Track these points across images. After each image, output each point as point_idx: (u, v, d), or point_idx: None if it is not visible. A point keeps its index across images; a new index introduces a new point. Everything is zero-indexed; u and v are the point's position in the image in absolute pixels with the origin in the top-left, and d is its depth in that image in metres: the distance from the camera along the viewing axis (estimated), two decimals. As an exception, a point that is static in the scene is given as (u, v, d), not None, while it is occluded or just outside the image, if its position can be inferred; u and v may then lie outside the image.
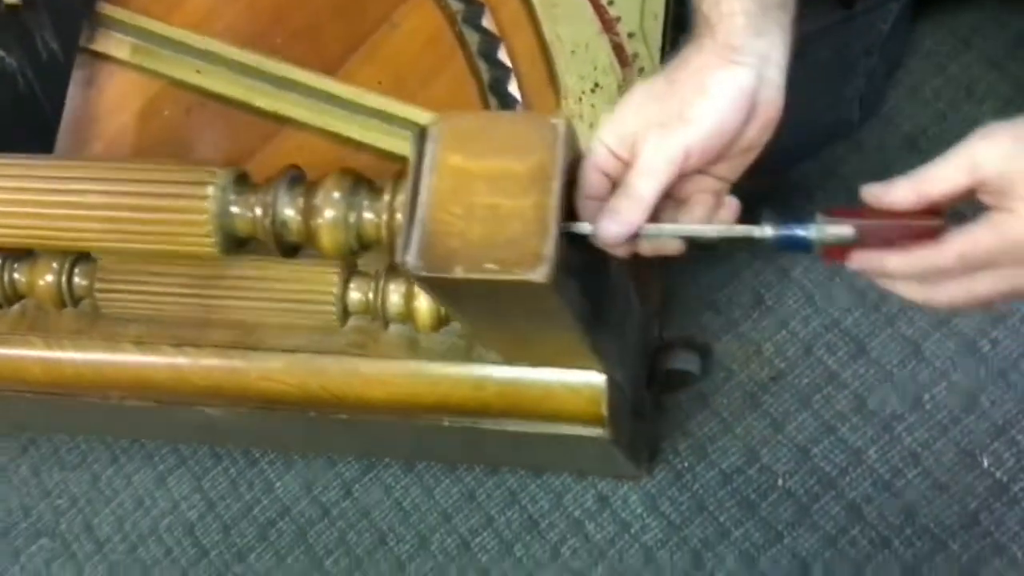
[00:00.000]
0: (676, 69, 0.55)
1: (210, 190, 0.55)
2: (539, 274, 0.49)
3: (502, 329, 0.61)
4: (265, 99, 1.00)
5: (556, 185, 0.50)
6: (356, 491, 1.07)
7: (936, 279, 0.52)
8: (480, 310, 0.57)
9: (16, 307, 0.78)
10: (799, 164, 1.00)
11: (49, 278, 0.75)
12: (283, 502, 1.09)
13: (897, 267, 0.52)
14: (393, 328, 0.72)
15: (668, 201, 0.56)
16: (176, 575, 1.11)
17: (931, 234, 0.51)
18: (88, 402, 0.80)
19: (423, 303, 0.69)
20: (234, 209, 0.56)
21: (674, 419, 0.98)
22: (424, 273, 0.50)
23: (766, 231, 0.54)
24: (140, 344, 0.75)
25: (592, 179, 0.54)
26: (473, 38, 1.00)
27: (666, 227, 0.55)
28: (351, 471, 1.07)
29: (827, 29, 0.86)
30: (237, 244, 0.57)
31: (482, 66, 0.99)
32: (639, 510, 0.97)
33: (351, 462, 1.08)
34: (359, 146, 0.97)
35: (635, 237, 0.54)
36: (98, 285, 0.74)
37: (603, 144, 0.54)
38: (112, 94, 1.04)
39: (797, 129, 0.92)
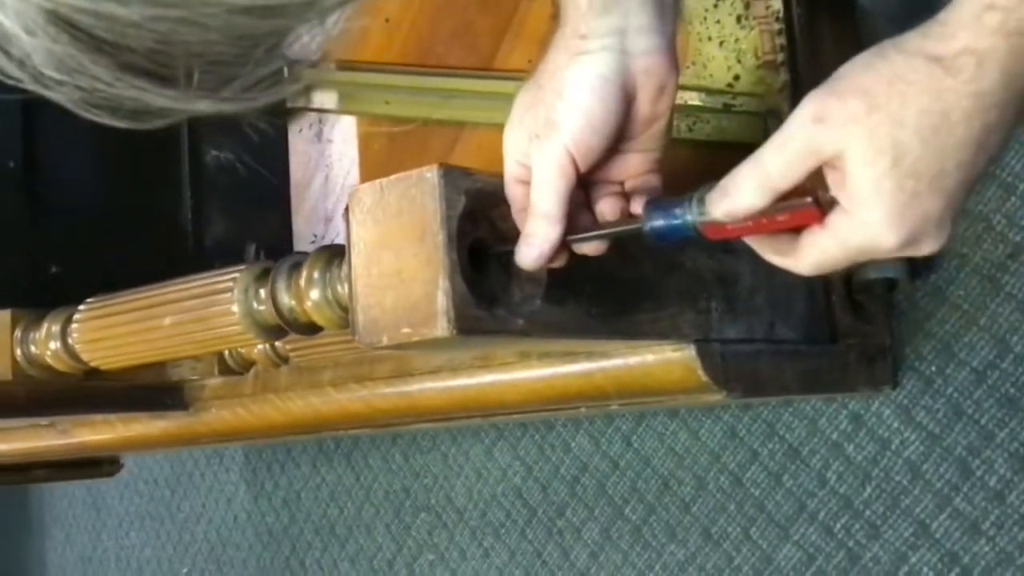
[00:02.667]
0: (541, 72, 0.52)
1: (235, 294, 0.63)
2: (440, 330, 0.50)
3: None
4: (441, 111, 1.07)
5: (441, 238, 0.50)
6: (635, 442, 1.10)
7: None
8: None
9: (251, 372, 0.93)
10: None
11: (260, 346, 0.89)
12: (581, 460, 1.16)
13: (769, 259, 0.47)
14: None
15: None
16: (517, 533, 1.23)
17: (806, 217, 0.45)
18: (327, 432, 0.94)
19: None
20: (256, 306, 0.63)
21: (912, 321, 0.89)
22: (364, 345, 0.53)
23: (648, 224, 0.50)
24: (335, 385, 0.87)
25: (516, 193, 0.54)
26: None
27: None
28: (626, 423, 1.11)
29: None
30: (276, 331, 0.65)
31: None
32: (895, 424, 0.90)
33: (625, 416, 1.11)
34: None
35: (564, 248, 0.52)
36: (288, 347, 0.86)
37: (511, 158, 0.54)
38: (337, 139, 1.18)
39: None
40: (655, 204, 0.50)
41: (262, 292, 0.63)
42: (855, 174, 0.44)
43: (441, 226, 0.51)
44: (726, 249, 0.72)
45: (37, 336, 0.76)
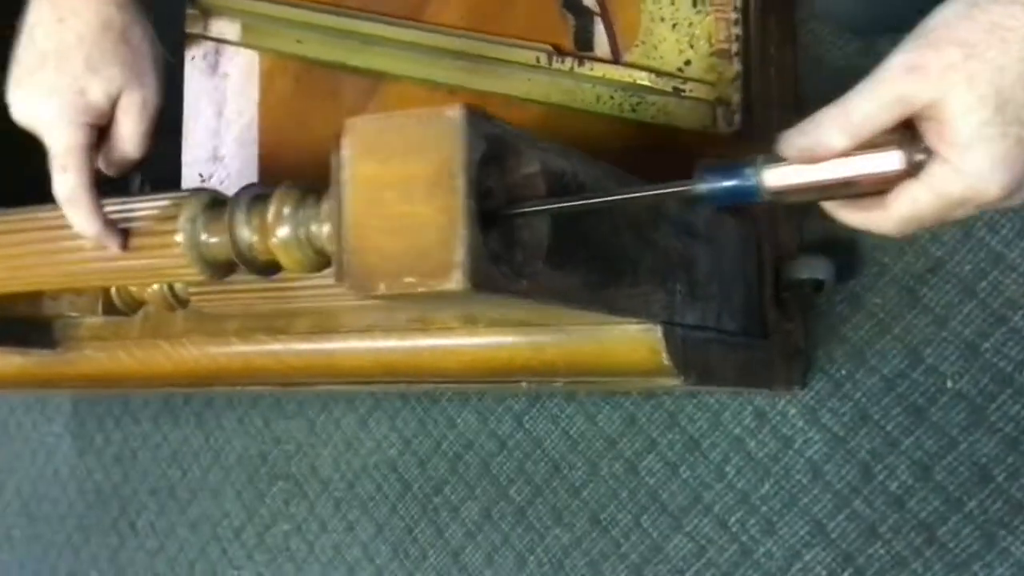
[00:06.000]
0: None
1: (180, 222, 0.57)
2: (454, 282, 0.46)
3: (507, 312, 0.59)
4: (359, 57, 1.00)
5: (460, 183, 0.46)
6: (527, 423, 1.08)
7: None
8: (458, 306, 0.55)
9: (140, 313, 0.84)
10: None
11: (155, 286, 0.80)
12: (466, 436, 1.12)
13: (848, 220, 0.46)
14: (449, 300, 0.71)
15: None
16: (387, 508, 1.19)
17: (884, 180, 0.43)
18: (219, 387, 0.87)
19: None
20: (204, 238, 0.57)
21: (827, 325, 0.90)
22: (353, 291, 0.48)
23: (702, 186, 0.47)
24: (241, 335, 0.80)
25: None
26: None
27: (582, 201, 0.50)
28: (519, 404, 1.09)
29: None
30: (223, 268, 0.58)
31: (558, -19, 0.92)
32: (800, 424, 0.91)
33: (518, 396, 1.09)
34: (452, 89, 0.95)
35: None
36: (191, 289, 0.79)
37: None
38: (234, 74, 1.09)
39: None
40: (708, 165, 0.47)
41: (213, 224, 0.56)
42: (957, 121, 0.43)
43: (462, 171, 0.46)
44: (689, 232, 0.70)
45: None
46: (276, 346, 0.78)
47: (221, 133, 1.10)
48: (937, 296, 0.85)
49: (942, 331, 0.85)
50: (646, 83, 0.86)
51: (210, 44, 1.09)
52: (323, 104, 1.04)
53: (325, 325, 0.76)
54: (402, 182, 0.47)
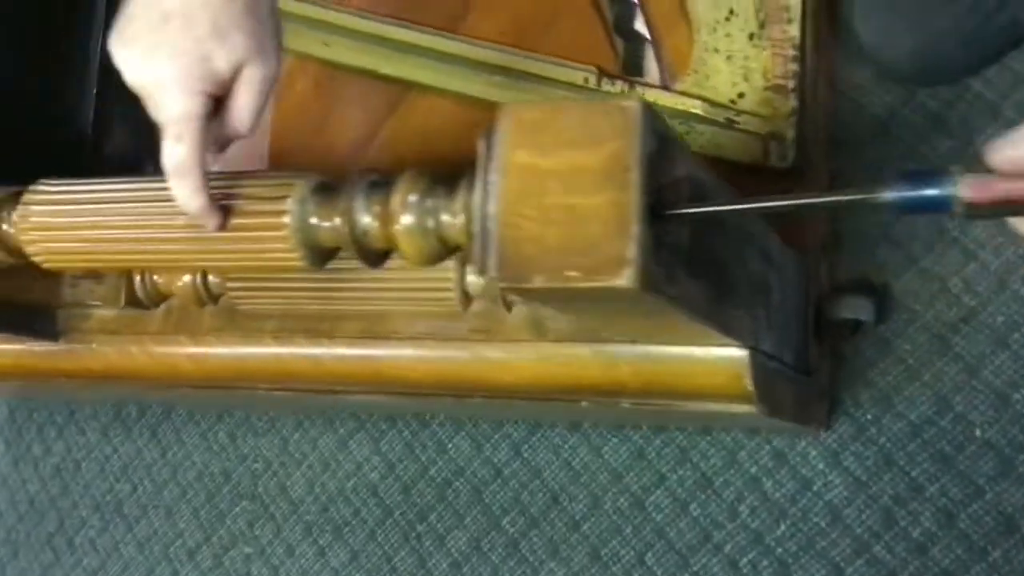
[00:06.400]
0: None
1: (289, 204, 0.53)
2: (625, 278, 0.44)
3: (616, 321, 0.57)
4: (391, 65, 0.98)
5: (635, 177, 0.44)
6: (525, 452, 1.05)
7: None
8: (584, 309, 0.52)
9: (162, 308, 0.79)
10: (975, 74, 0.88)
11: (186, 279, 0.76)
12: (457, 463, 1.09)
13: None
14: (516, 310, 0.68)
15: None
16: (365, 534, 1.14)
17: None
18: (238, 392, 0.82)
19: (545, 283, 0.65)
20: (314, 221, 0.53)
21: (854, 368, 0.90)
22: (503, 284, 0.46)
23: (891, 194, 0.46)
24: (278, 337, 0.76)
25: None
26: (597, -25, 0.93)
27: (750, 203, 0.48)
28: (518, 432, 1.06)
29: None
30: (326, 255, 0.55)
31: (605, 3, 0.92)
32: (820, 466, 0.91)
33: (518, 423, 1.06)
34: (486, 105, 0.93)
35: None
36: (229, 284, 0.74)
37: None
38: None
39: (957, 34, 0.80)
40: (902, 173, 0.46)
41: (324, 208, 0.53)
42: None
43: (637, 165, 0.44)
44: (767, 258, 0.69)
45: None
46: (317, 350, 0.74)
47: (225, 126, 1.05)
48: (969, 345, 0.86)
49: (972, 380, 0.86)
50: (698, 112, 0.85)
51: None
52: (343, 111, 1.01)
53: (374, 331, 0.72)
54: (566, 172, 0.45)
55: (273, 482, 1.22)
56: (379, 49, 0.99)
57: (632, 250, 0.44)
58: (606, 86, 0.89)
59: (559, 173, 0.45)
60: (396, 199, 0.51)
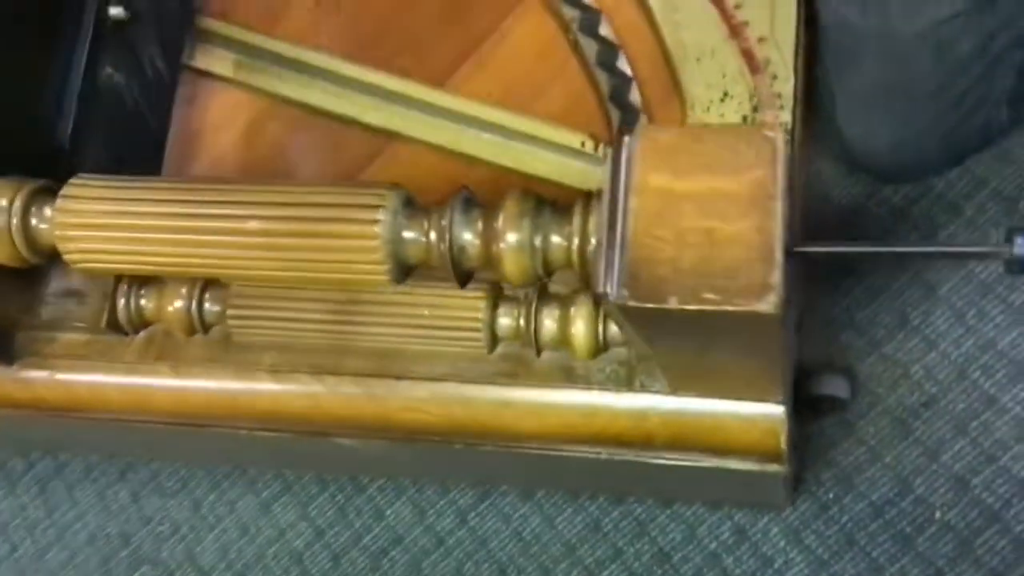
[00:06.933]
0: None
1: (381, 214, 0.51)
2: (767, 304, 0.44)
3: (688, 357, 0.56)
4: (374, 114, 0.96)
5: (778, 206, 0.45)
6: (472, 520, 1.02)
7: None
8: (674, 339, 0.52)
9: (142, 335, 0.74)
10: (941, 173, 0.94)
11: (178, 304, 0.71)
12: (395, 531, 1.04)
13: None
14: (546, 355, 0.67)
15: None
16: (284, 606, 1.07)
17: None
18: (216, 433, 0.76)
19: (581, 329, 0.64)
20: (406, 234, 0.51)
21: (816, 448, 0.92)
22: (633, 303, 0.45)
23: (1019, 250, 0.48)
24: (275, 372, 0.71)
25: None
26: (590, 46, 0.95)
27: (875, 249, 0.49)
28: (465, 499, 1.03)
29: (967, 15, 0.78)
30: (407, 271, 0.53)
31: (600, 75, 0.94)
32: (782, 543, 0.91)
33: (465, 489, 1.03)
34: (471, 160, 0.93)
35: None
36: (230, 312, 0.70)
37: None
38: (216, 111, 1.00)
39: (936, 132, 0.85)
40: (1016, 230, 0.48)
41: (415, 222, 0.51)
42: None
43: (781, 194, 0.45)
44: (795, 322, 0.71)
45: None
46: (318, 387, 0.70)
47: (190, 161, 1.00)
48: (929, 430, 0.90)
49: (933, 464, 0.89)
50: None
51: (194, 75, 1.01)
52: (317, 158, 0.98)
53: (386, 369, 0.69)
54: (704, 196, 0.45)
55: (180, 547, 1.13)
56: (362, 96, 0.97)
57: (776, 277, 0.44)
58: (602, 152, 0.90)
59: (696, 197, 0.45)
60: (503, 217, 0.50)
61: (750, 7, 0.92)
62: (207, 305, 0.70)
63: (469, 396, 0.68)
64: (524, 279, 0.51)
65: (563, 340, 0.65)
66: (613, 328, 0.63)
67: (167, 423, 0.75)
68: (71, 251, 0.54)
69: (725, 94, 0.90)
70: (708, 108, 0.90)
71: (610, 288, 0.45)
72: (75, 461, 1.22)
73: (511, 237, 0.50)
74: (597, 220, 0.47)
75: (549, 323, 0.65)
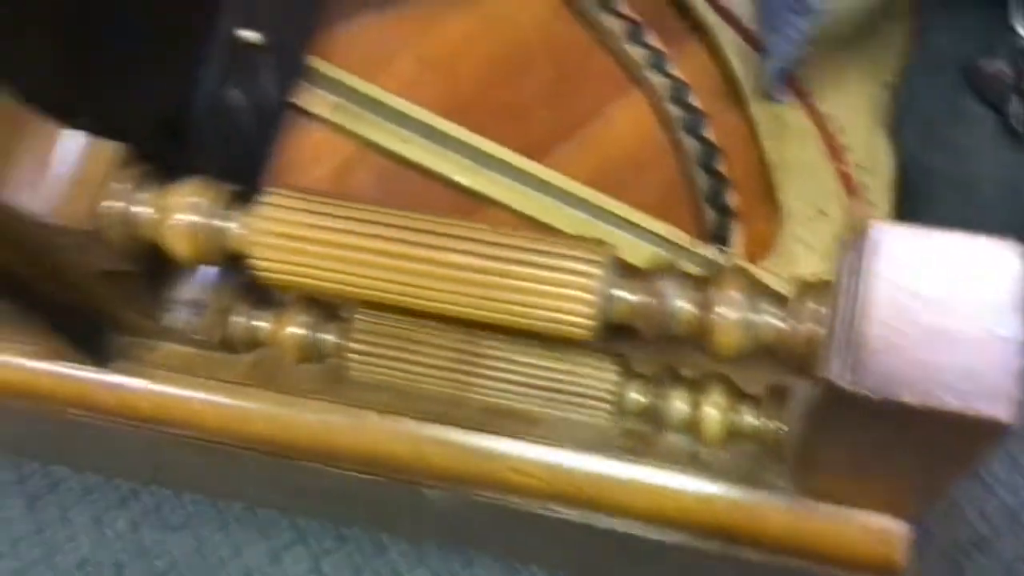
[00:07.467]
0: None
1: (598, 269, 0.51)
2: (1004, 413, 0.44)
3: (849, 459, 0.56)
4: (466, 175, 0.96)
5: (1015, 322, 0.46)
6: (499, 596, 0.99)
7: None
8: (855, 435, 0.52)
9: (250, 356, 0.72)
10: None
11: (298, 329, 0.69)
12: (413, 599, 1.01)
13: None
14: (671, 437, 0.67)
15: None
16: (281, 663, 1.03)
17: None
18: (297, 466, 0.74)
19: (713, 413, 0.64)
20: (617, 292, 0.51)
21: None
22: (863, 392, 0.45)
23: None
24: (384, 414, 0.70)
25: None
26: (692, 145, 0.98)
27: None
28: (491, 573, 1.00)
29: (994, 162, 0.79)
30: (608, 328, 0.52)
31: (698, 173, 0.96)
32: (817, 666, 0.90)
33: (490, 562, 1.01)
34: (555, 234, 0.93)
35: None
36: (352, 345, 0.69)
37: None
38: (308, 150, 1.00)
39: None
40: None
41: (631, 280, 0.51)
42: None
43: (1016, 309, 0.46)
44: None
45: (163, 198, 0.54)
46: (423, 432, 0.69)
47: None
48: (978, 571, 0.91)
49: (980, 604, 0.90)
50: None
51: (291, 111, 1.01)
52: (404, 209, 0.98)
53: (500, 427, 0.68)
54: (946, 297, 0.46)
55: (177, 583, 1.09)
56: (457, 156, 0.98)
57: (1015, 387, 0.45)
58: (697, 247, 0.91)
59: (928, 296, 0.46)
60: (725, 292, 0.50)
61: (852, 133, 0.95)
62: (329, 336, 0.69)
63: (585, 466, 0.67)
64: (731, 353, 0.51)
65: (693, 423, 0.65)
66: (746, 418, 0.63)
67: (256, 448, 0.72)
68: (261, 259, 0.53)
69: (821, 212, 0.92)
70: (805, 223, 0.92)
71: (838, 374, 0.45)
72: (72, 480, 1.17)
73: (731, 314, 0.50)
74: (830, 306, 0.47)
75: (679, 404, 0.65)
